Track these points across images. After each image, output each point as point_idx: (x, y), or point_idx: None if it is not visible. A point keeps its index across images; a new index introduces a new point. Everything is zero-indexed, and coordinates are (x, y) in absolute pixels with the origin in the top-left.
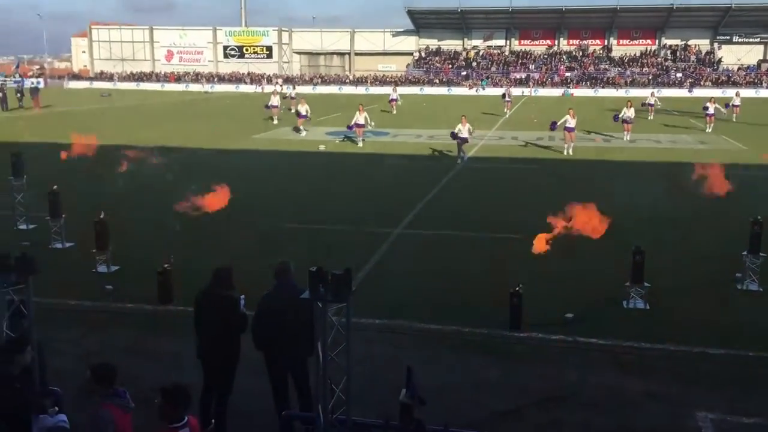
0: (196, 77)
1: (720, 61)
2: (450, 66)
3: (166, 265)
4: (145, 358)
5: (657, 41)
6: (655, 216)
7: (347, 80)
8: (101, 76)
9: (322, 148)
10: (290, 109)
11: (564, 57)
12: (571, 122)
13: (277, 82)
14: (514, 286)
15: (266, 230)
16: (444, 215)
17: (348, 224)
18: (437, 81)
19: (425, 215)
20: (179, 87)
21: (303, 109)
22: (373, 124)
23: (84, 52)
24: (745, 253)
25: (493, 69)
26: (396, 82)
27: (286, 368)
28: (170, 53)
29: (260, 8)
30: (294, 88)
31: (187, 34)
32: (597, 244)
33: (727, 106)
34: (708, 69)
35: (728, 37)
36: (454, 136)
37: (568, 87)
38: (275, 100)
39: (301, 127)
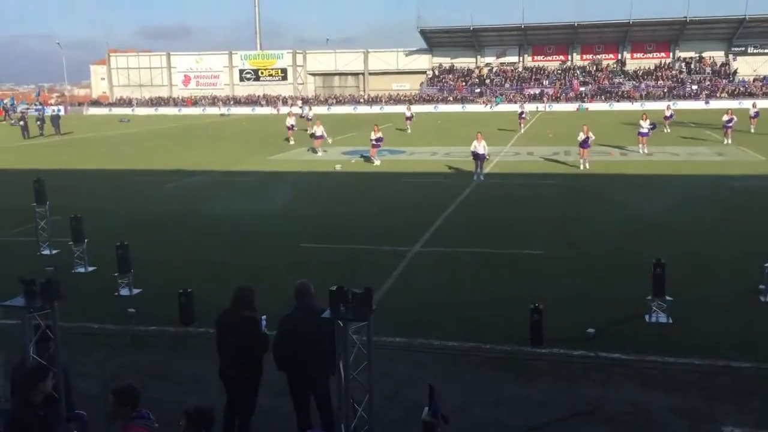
0: (213, 101)
1: (735, 72)
2: (464, 83)
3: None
4: (169, 380)
5: (671, 54)
6: (675, 228)
7: (362, 100)
8: (120, 102)
9: (338, 167)
10: (306, 130)
11: (578, 72)
12: (582, 137)
13: (294, 104)
14: (534, 301)
15: (285, 250)
16: (462, 232)
17: (366, 243)
18: (451, 99)
19: (443, 232)
20: (196, 111)
21: (319, 130)
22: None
23: (103, 79)
24: (767, 264)
25: (507, 85)
26: (410, 100)
27: (308, 388)
28: (187, 78)
29: (274, 31)
30: (310, 109)
31: (203, 59)
32: (617, 257)
33: (756, 114)
34: (724, 80)
35: (743, 49)
36: (475, 155)
37: (583, 101)
38: (291, 121)
39: (318, 148)
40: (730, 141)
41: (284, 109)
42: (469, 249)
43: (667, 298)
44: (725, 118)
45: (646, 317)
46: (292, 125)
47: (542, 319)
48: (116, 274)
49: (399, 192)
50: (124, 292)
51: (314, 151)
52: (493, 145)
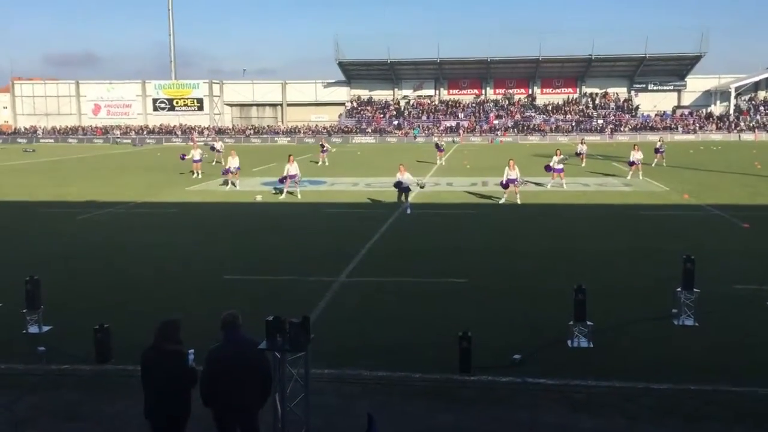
0: (126, 130)
1: (637, 107)
2: (381, 115)
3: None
4: (85, 422)
5: (578, 90)
6: (591, 256)
7: (280, 131)
8: (24, 133)
9: (258, 198)
10: (213, 162)
11: (491, 105)
12: (512, 174)
13: (191, 136)
14: (460, 329)
15: (207, 282)
16: (386, 262)
17: (290, 274)
18: (369, 130)
19: (368, 262)
20: (107, 141)
21: (235, 161)
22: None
23: (5, 107)
24: (679, 289)
25: (424, 118)
26: (328, 131)
27: (236, 423)
28: (97, 107)
29: (190, 62)
30: (218, 141)
31: (114, 87)
32: (539, 284)
33: (658, 150)
34: (627, 115)
35: (644, 85)
36: (398, 186)
37: (497, 134)
38: (197, 154)
39: (235, 180)
40: (631, 174)
41: (199, 141)
42: (393, 278)
43: (588, 323)
44: (633, 154)
45: (569, 342)
46: (197, 159)
47: (470, 347)
48: (24, 311)
49: (322, 222)
50: (33, 329)
51: (227, 183)
52: (413, 176)
